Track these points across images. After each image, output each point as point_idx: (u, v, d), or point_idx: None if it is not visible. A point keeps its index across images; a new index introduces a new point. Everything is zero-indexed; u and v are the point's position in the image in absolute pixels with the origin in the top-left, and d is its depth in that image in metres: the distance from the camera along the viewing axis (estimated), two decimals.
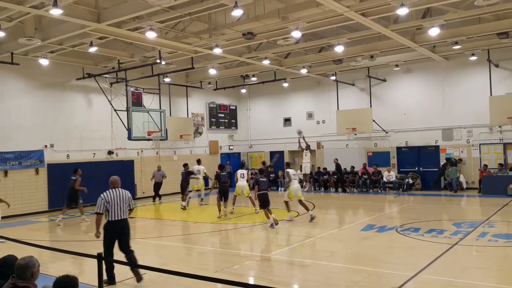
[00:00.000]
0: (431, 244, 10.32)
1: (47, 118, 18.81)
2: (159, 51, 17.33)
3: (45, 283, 4.33)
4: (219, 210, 15.42)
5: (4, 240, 11.31)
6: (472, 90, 20.69)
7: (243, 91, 27.16)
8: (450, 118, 21.37)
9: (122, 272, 7.97)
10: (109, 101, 20.04)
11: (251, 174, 20.37)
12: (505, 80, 19.98)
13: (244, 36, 15.23)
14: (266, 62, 19.83)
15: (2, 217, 13.75)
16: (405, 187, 21.61)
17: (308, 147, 20.92)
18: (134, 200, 19.36)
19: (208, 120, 26.51)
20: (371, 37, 17.69)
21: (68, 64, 19.30)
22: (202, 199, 19.43)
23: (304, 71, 21.92)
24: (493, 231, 11.63)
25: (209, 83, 25.43)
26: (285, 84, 24.62)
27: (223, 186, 15.74)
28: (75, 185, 15.13)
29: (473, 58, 19.72)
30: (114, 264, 7.74)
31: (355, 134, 22.97)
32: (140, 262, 8.05)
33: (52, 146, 18.87)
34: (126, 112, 19.28)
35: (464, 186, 20.66)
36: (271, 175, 23.82)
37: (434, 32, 15.39)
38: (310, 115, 25.96)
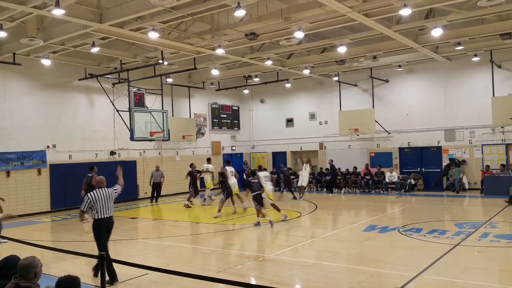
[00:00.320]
0: (433, 245, 10.31)
1: (49, 118, 18.84)
2: (162, 51, 17.33)
3: (47, 283, 4.34)
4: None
5: (6, 240, 11.33)
6: (475, 91, 20.66)
7: (246, 91, 27.16)
8: (453, 119, 21.34)
9: (124, 272, 7.98)
10: (111, 101, 20.08)
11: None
12: (507, 81, 19.94)
13: (247, 36, 15.22)
14: (268, 63, 19.83)
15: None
16: (407, 187, 21.57)
17: (308, 160, 21.03)
18: (136, 200, 19.48)
19: (210, 120, 26.51)
20: (374, 38, 17.66)
21: (70, 64, 19.33)
22: (205, 199, 19.45)
23: (306, 71, 21.91)
24: (495, 232, 11.61)
25: (212, 83, 25.44)
26: (288, 85, 24.60)
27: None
28: (91, 181, 15.26)
29: (476, 58, 19.69)
30: (116, 264, 7.73)
31: (358, 135, 22.95)
32: (142, 262, 8.03)
33: (54, 146, 18.90)
34: (128, 112, 19.30)
35: (467, 186, 20.62)
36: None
37: (437, 32, 15.37)
38: (312, 116, 25.95)
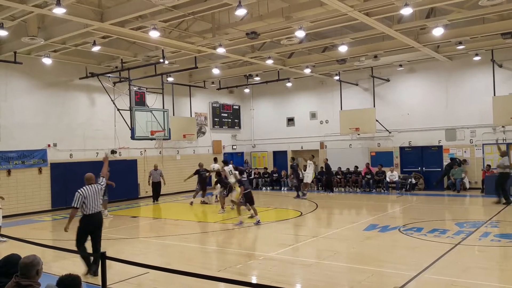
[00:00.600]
0: (434, 244, 10.31)
1: (50, 117, 18.85)
2: (162, 50, 17.33)
3: (48, 282, 4.34)
4: (222, 207, 15.48)
5: (5, 239, 11.35)
6: (476, 90, 20.64)
7: (247, 90, 27.16)
8: (454, 118, 21.33)
9: (124, 271, 7.99)
10: (112, 100, 20.09)
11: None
12: (508, 80, 19.92)
13: (248, 35, 15.22)
14: (269, 62, 19.83)
15: (3, 216, 13.74)
16: (408, 187, 21.58)
17: (312, 157, 21.11)
18: (137, 199, 19.46)
19: (211, 119, 26.51)
20: (375, 37, 17.66)
21: (71, 63, 19.34)
22: (212, 196, 19.54)
23: (307, 71, 21.90)
24: (495, 231, 11.62)
25: (213, 82, 25.43)
26: (289, 84, 24.61)
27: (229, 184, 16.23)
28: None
29: (477, 58, 19.67)
30: (117, 263, 7.74)
31: (358, 134, 22.93)
32: (143, 261, 8.05)
33: (55, 145, 18.92)
34: (129, 111, 19.32)
35: (467, 186, 20.62)
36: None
37: (438, 32, 15.36)
38: (313, 115, 25.94)
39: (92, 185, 8.66)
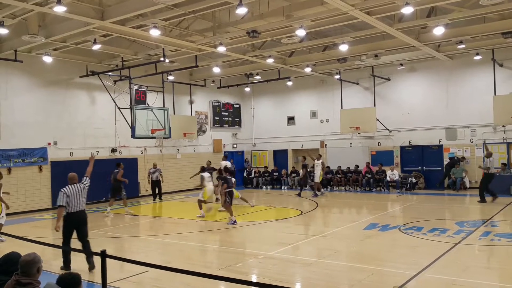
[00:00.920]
0: (434, 243, 10.32)
1: (50, 115, 18.86)
2: (163, 49, 17.31)
3: (48, 280, 4.35)
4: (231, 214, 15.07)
5: (4, 239, 11.35)
6: (476, 89, 20.63)
7: (247, 89, 27.15)
8: (454, 118, 21.32)
9: (125, 269, 7.99)
10: (112, 99, 20.09)
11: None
12: (509, 79, 19.91)
13: (248, 34, 15.22)
14: (270, 61, 19.81)
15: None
16: (408, 186, 21.59)
17: (320, 156, 21.18)
18: (137, 198, 19.47)
19: (211, 118, 26.50)
20: (376, 36, 17.65)
21: (72, 61, 19.34)
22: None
23: (308, 69, 21.89)
24: (496, 231, 11.62)
25: (213, 81, 25.42)
26: (289, 83, 24.60)
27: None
28: (117, 176, 16.44)
29: (478, 57, 19.65)
30: (117, 261, 7.75)
31: (359, 133, 22.92)
32: (144, 259, 8.08)
33: (55, 143, 18.92)
34: (129, 110, 19.30)
35: (468, 185, 20.63)
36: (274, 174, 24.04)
37: (438, 31, 15.34)
38: (314, 114, 25.92)
39: (75, 184, 8.95)
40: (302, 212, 16.05)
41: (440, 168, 21.74)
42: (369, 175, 22.47)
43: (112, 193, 16.73)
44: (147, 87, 20.85)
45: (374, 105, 22.63)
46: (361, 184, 22.57)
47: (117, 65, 20.19)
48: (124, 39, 17.54)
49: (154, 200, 20.43)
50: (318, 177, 20.80)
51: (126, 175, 18.22)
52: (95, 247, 8.38)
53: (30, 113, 18.12)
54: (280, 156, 27.31)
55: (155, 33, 14.22)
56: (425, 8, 14.69)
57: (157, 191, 20.57)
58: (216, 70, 21.69)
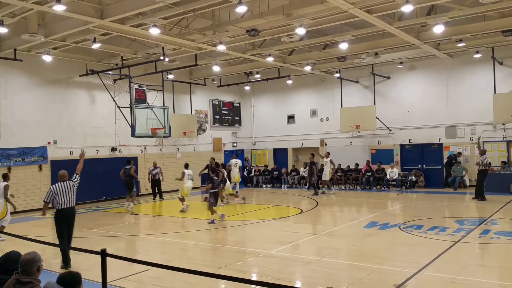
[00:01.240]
0: (434, 241, 10.33)
1: (50, 114, 18.85)
2: (163, 47, 17.31)
3: (48, 279, 4.35)
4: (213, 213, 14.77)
5: (4, 238, 11.36)
6: (476, 87, 20.63)
7: (247, 88, 27.14)
8: (454, 116, 21.32)
9: (125, 268, 8.00)
10: (112, 97, 20.08)
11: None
12: (509, 77, 19.90)
13: (248, 33, 15.21)
14: (270, 59, 19.80)
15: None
16: (408, 184, 21.60)
17: (328, 154, 21.19)
18: (138, 196, 19.46)
19: (211, 117, 26.50)
20: (376, 34, 17.63)
21: (71, 60, 19.33)
22: (237, 192, 19.76)
23: (308, 68, 21.88)
24: (495, 229, 11.62)
25: (213, 80, 25.41)
26: (289, 81, 24.58)
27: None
28: (130, 172, 17.11)
29: (478, 55, 19.63)
30: (117, 260, 7.76)
31: (359, 132, 22.92)
32: (144, 258, 8.08)
33: (55, 142, 18.92)
34: (129, 108, 19.30)
35: (468, 183, 20.65)
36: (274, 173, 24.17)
37: (438, 29, 15.32)
38: (313, 112, 25.92)
39: (65, 181, 9.23)
40: (302, 210, 16.05)
41: (440, 167, 21.74)
42: (369, 174, 22.47)
43: (128, 189, 17.17)
44: (147, 86, 20.85)
45: (374, 104, 22.62)
46: (361, 182, 22.58)
47: (116, 64, 20.18)
48: (124, 38, 17.53)
49: (154, 199, 20.44)
50: (328, 175, 20.91)
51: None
52: (95, 246, 8.39)
53: (30, 112, 18.11)
54: (280, 154, 27.32)
55: (154, 31, 14.21)
56: (425, 6, 14.69)
57: (157, 190, 20.58)
58: (216, 68, 21.68)
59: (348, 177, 23.12)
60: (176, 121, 22.20)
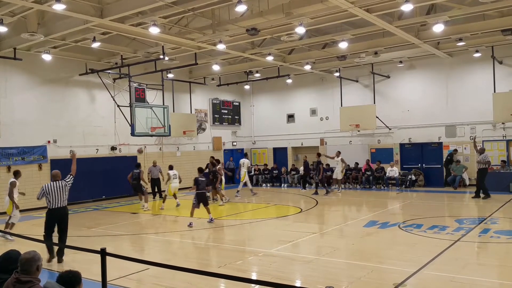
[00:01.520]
0: (434, 240, 10.33)
1: (50, 113, 18.84)
2: (162, 46, 17.30)
3: (48, 279, 4.35)
4: (192, 215, 13.89)
5: (12, 238, 11.32)
6: (476, 87, 20.63)
7: (247, 87, 27.13)
8: (454, 115, 21.33)
9: (125, 267, 8.00)
10: (112, 96, 20.08)
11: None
12: (508, 77, 19.90)
13: (248, 32, 15.20)
14: (269, 58, 19.79)
15: (2, 213, 13.75)
16: (408, 183, 21.60)
17: (339, 153, 21.29)
18: (137, 195, 19.41)
19: (211, 116, 26.50)
20: (375, 34, 17.64)
21: (71, 59, 19.32)
22: (238, 191, 20.26)
23: (307, 67, 21.87)
24: (495, 228, 11.63)
25: (213, 79, 25.41)
26: (289, 80, 24.59)
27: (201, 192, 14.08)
28: (140, 176, 17.51)
29: (477, 54, 19.64)
30: (117, 259, 7.77)
31: (359, 131, 22.93)
32: (144, 257, 8.09)
33: (55, 141, 18.92)
34: (129, 107, 19.30)
35: (467, 182, 20.66)
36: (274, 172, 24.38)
37: (438, 28, 15.32)
38: (313, 112, 25.93)
39: (57, 181, 9.38)
40: (302, 209, 16.06)
41: (440, 166, 21.76)
42: (368, 173, 22.48)
43: (139, 190, 17.61)
44: (146, 85, 20.84)
45: (374, 103, 22.62)
46: (361, 181, 22.59)
47: (116, 63, 20.15)
48: (124, 37, 17.53)
49: (154, 198, 20.42)
50: (340, 174, 21.10)
51: (125, 173, 18.28)
52: (95, 245, 8.40)
53: (29, 111, 18.11)
54: (279, 153, 27.33)
55: (154, 30, 14.20)
56: (424, 5, 14.69)
57: (156, 189, 20.56)
58: (216, 67, 21.68)
59: (347, 176, 23.12)
60: (175, 120, 22.19)
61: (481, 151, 17.30)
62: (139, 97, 20.33)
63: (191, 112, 24.53)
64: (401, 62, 21.79)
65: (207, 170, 18.89)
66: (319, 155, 21.16)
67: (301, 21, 14.25)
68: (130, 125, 19.18)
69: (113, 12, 13.33)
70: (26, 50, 17.29)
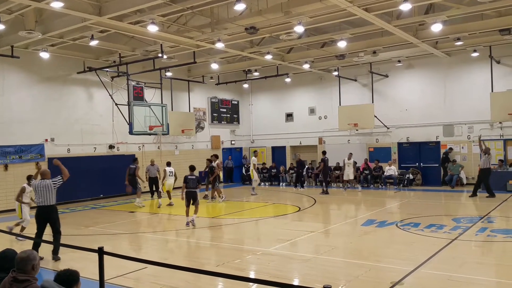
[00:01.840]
0: (431, 239, 10.35)
1: (47, 112, 18.81)
2: (161, 45, 17.29)
3: (46, 277, 4.35)
4: (187, 214, 13.54)
5: (24, 239, 11.19)
6: (474, 86, 20.67)
7: (245, 86, 27.13)
8: (451, 114, 21.37)
9: (122, 266, 8.00)
10: (110, 95, 20.03)
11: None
12: (506, 76, 19.95)
13: (247, 30, 15.18)
14: (268, 57, 19.78)
15: (3, 211, 13.80)
16: (405, 182, 21.63)
17: (350, 155, 21.48)
18: (135, 194, 19.44)
19: (210, 115, 26.48)
20: (374, 33, 17.63)
21: (69, 57, 19.27)
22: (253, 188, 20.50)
23: (306, 66, 21.87)
24: (492, 227, 11.67)
25: (211, 77, 25.39)
26: (288, 79, 24.58)
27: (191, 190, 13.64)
28: (136, 172, 17.75)
29: (475, 54, 19.66)
30: (114, 258, 7.77)
31: (357, 130, 22.96)
32: (142, 256, 8.09)
33: (52, 140, 18.88)
34: (127, 106, 19.27)
35: (464, 182, 20.71)
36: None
37: (436, 28, 15.35)
38: (312, 111, 25.94)
39: (45, 180, 9.51)
40: (300, 208, 16.07)
41: (437, 165, 21.80)
42: (366, 172, 22.51)
43: (133, 187, 17.87)
44: (145, 83, 20.82)
45: (372, 102, 22.64)
46: (359, 180, 22.61)
47: (114, 61, 20.13)
48: (122, 35, 17.49)
49: (152, 197, 20.39)
50: (352, 175, 21.34)
51: (123, 171, 18.26)
52: (93, 243, 8.37)
53: (27, 109, 18.07)
54: (278, 152, 27.34)
55: (153, 29, 14.18)
56: (423, 5, 14.72)
57: (154, 188, 20.51)
58: (214, 66, 21.66)
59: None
60: (174, 119, 22.18)
61: (486, 151, 17.32)
62: (137, 96, 20.31)
63: (189, 111, 24.51)
64: (399, 61, 21.80)
65: (207, 170, 19.00)
66: (324, 153, 21.17)
67: (300, 20, 14.25)
68: (128, 124, 19.15)
69: (111, 10, 13.30)
70: (23, 48, 17.24)
